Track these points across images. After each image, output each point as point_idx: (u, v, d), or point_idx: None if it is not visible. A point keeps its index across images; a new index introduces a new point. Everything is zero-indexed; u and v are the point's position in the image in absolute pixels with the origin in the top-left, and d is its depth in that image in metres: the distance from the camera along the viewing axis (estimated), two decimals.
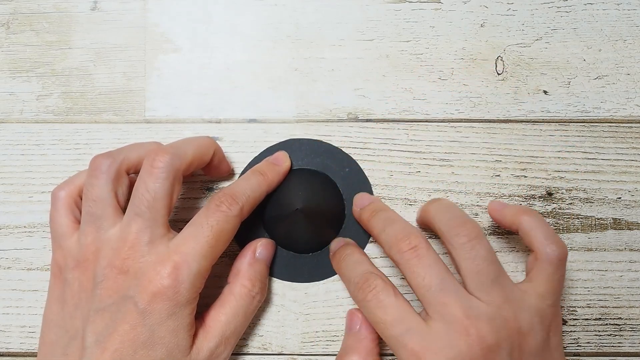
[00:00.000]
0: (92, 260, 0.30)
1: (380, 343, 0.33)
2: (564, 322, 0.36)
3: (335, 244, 0.35)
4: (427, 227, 0.35)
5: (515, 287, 0.31)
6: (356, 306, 0.34)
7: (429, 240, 0.31)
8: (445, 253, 0.36)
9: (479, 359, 0.28)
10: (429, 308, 0.29)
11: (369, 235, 0.36)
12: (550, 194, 0.37)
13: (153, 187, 0.30)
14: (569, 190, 0.37)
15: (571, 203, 0.37)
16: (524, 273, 0.36)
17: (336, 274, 0.36)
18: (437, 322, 0.29)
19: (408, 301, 0.30)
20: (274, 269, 0.36)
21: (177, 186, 0.31)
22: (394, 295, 0.30)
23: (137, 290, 0.28)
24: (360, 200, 0.35)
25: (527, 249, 0.36)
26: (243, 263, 0.33)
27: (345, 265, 0.33)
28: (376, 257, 0.36)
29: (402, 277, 0.36)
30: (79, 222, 0.32)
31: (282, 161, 0.35)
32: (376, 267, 0.32)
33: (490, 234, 0.36)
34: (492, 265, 0.30)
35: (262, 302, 0.34)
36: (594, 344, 0.36)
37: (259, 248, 0.34)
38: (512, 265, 0.36)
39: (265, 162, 0.35)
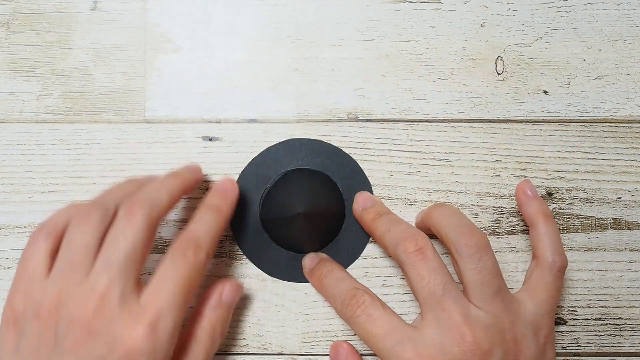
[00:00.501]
0: (55, 311, 0.27)
1: None
2: (564, 322, 0.36)
3: (310, 260, 0.35)
4: (426, 232, 0.35)
5: (514, 298, 0.31)
6: (337, 339, 0.35)
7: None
8: (445, 253, 0.36)
9: None
10: (428, 312, 0.29)
11: (369, 236, 0.36)
12: (550, 194, 0.37)
13: (132, 238, 0.28)
14: (569, 190, 0.37)
15: (571, 203, 0.37)
16: (524, 274, 0.36)
17: None
18: (432, 328, 0.29)
19: (396, 313, 0.30)
20: (274, 269, 0.36)
21: (152, 237, 0.30)
22: (383, 308, 0.30)
23: (109, 351, 0.26)
24: (362, 201, 0.35)
25: (527, 250, 0.36)
26: (207, 306, 0.32)
27: (327, 283, 0.33)
28: (376, 257, 0.36)
29: (402, 277, 0.36)
30: (50, 268, 0.29)
31: (231, 191, 0.34)
32: (359, 282, 0.33)
33: (490, 234, 0.36)
34: (496, 278, 0.30)
35: (263, 303, 0.34)
36: (594, 344, 0.36)
37: (225, 291, 0.32)
38: (512, 265, 0.36)
39: (215, 194, 0.34)
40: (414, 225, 0.36)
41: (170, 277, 0.28)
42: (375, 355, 0.34)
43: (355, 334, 0.35)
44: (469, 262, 0.30)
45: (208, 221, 0.31)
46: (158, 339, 0.27)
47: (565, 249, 0.36)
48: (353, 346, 0.34)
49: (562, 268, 0.32)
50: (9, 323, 0.28)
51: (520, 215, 0.36)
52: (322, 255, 0.36)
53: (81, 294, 0.27)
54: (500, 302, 0.30)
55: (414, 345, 0.29)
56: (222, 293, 0.32)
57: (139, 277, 0.29)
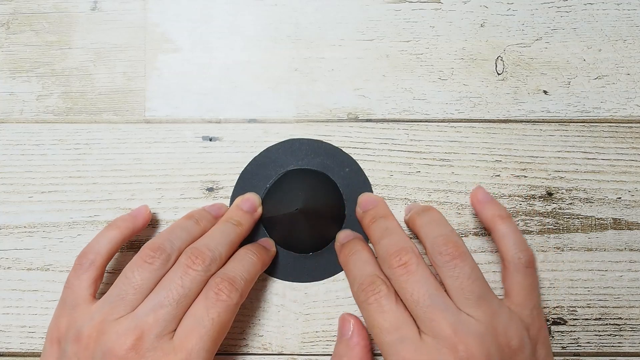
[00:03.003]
0: (95, 337, 0.29)
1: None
2: (564, 322, 0.36)
3: (344, 235, 0.35)
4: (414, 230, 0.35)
5: (501, 302, 0.31)
6: (348, 310, 0.35)
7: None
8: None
9: None
10: (419, 323, 0.29)
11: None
12: (550, 194, 0.37)
13: (188, 286, 0.30)
14: (569, 190, 0.37)
15: (571, 203, 0.37)
16: None
17: (335, 274, 0.36)
18: (429, 336, 0.29)
19: (408, 311, 0.30)
20: (274, 269, 0.36)
21: (205, 285, 0.31)
22: (395, 302, 0.30)
23: None
24: (364, 202, 0.35)
25: None
26: None
27: (352, 262, 0.33)
28: (376, 258, 0.36)
29: None
30: (96, 293, 0.32)
31: (271, 246, 0.36)
32: (382, 271, 0.32)
33: (486, 234, 0.36)
34: (475, 283, 0.30)
35: (263, 303, 0.34)
36: (594, 344, 0.36)
37: None
38: None
39: (256, 244, 0.35)
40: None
41: (202, 317, 0.29)
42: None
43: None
44: (446, 270, 0.30)
45: (248, 263, 0.32)
46: None
47: (565, 248, 0.36)
48: (360, 320, 0.34)
49: (529, 263, 0.32)
50: (53, 340, 0.31)
51: (520, 214, 0.36)
52: (358, 234, 0.36)
53: (123, 327, 0.29)
54: (487, 307, 0.30)
55: (415, 347, 0.29)
56: None
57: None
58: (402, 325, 0.29)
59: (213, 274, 0.31)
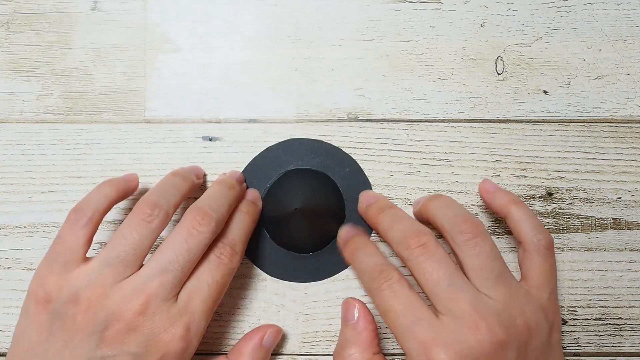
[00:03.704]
0: (98, 301, 0.28)
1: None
2: (564, 322, 0.36)
3: (346, 232, 0.35)
4: (425, 222, 0.35)
5: (519, 283, 0.31)
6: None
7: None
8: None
9: (488, 354, 0.28)
10: (438, 304, 0.29)
11: (370, 234, 0.36)
12: (550, 194, 0.37)
13: (194, 250, 0.30)
14: (569, 190, 0.37)
15: (571, 203, 0.37)
16: None
17: (335, 274, 0.36)
18: (447, 317, 0.29)
19: (420, 296, 0.30)
20: (274, 269, 0.36)
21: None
22: (408, 288, 0.30)
23: (146, 349, 0.28)
24: (365, 198, 0.35)
25: None
26: (248, 346, 0.33)
27: (360, 256, 0.33)
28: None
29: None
30: (87, 252, 0.31)
31: (258, 199, 0.36)
32: (389, 261, 0.32)
33: (490, 234, 0.36)
34: (495, 262, 0.30)
35: (263, 303, 0.35)
36: (594, 344, 0.36)
37: (267, 335, 0.34)
38: (514, 265, 0.36)
39: (247, 202, 0.35)
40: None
41: (206, 280, 0.30)
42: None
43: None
44: (466, 248, 0.30)
45: (243, 226, 0.33)
46: (190, 341, 0.29)
47: (565, 248, 0.36)
48: (364, 304, 0.34)
49: (549, 245, 0.32)
50: (38, 300, 0.29)
51: None
52: (359, 228, 0.36)
53: (128, 291, 0.28)
54: (505, 287, 0.30)
55: (431, 329, 0.28)
56: (263, 337, 0.34)
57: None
58: (417, 308, 0.29)
59: (217, 233, 0.31)
